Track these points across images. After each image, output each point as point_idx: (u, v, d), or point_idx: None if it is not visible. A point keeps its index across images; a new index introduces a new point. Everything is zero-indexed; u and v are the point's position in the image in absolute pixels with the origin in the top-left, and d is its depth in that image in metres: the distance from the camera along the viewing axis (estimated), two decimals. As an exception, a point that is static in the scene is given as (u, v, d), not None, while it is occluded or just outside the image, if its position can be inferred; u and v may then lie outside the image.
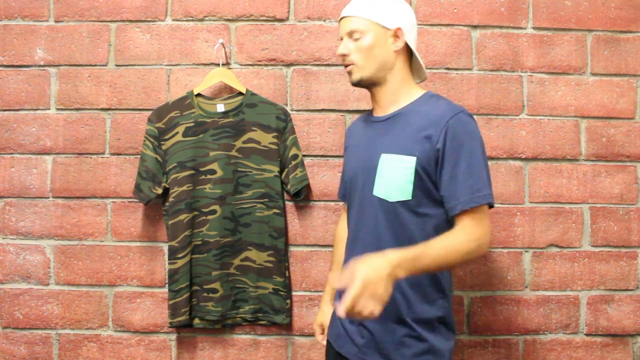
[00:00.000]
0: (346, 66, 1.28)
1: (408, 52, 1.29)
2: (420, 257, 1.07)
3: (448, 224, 1.20)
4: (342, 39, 1.30)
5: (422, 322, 1.21)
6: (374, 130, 1.31)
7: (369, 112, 1.40)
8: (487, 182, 1.18)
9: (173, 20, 1.72)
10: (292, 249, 1.69)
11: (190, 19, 1.72)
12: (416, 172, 1.18)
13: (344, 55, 1.27)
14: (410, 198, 1.19)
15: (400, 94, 1.28)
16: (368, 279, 0.98)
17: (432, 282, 1.23)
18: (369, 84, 1.28)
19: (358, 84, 1.28)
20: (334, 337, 1.34)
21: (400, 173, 1.20)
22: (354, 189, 1.32)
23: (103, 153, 1.71)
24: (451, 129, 1.17)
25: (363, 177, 1.28)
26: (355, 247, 1.28)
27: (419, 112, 1.24)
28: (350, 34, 1.26)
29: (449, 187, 1.17)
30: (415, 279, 1.19)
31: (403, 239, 1.20)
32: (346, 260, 1.32)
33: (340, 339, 1.31)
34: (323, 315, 1.49)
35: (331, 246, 1.48)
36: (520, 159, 1.70)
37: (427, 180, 1.19)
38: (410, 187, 1.19)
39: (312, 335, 1.67)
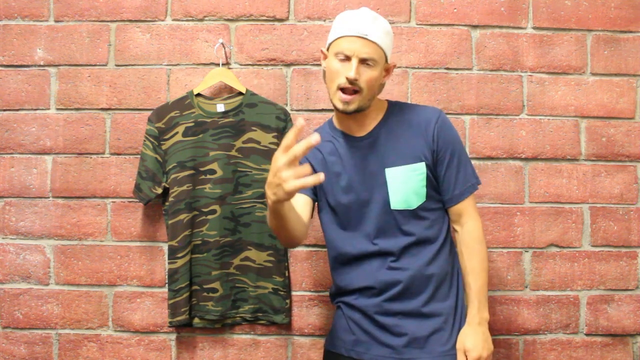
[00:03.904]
0: (349, 92, 1.22)
1: None
2: (482, 290, 1.28)
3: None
4: (343, 56, 1.22)
5: (451, 310, 1.30)
6: (359, 150, 1.32)
7: (333, 134, 1.36)
8: (472, 173, 1.33)
9: (173, 20, 1.72)
10: (292, 249, 1.69)
11: (190, 19, 1.72)
12: (426, 175, 1.28)
13: (355, 80, 1.20)
14: (425, 200, 1.28)
15: (374, 112, 1.33)
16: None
17: (456, 267, 1.34)
18: (357, 111, 1.26)
19: (354, 112, 1.25)
20: (350, 344, 1.31)
21: (414, 181, 1.27)
22: (351, 212, 1.31)
23: (103, 153, 1.71)
24: (440, 131, 1.29)
25: (366, 198, 1.29)
26: (380, 260, 1.29)
27: (404, 121, 1.31)
28: (364, 61, 1.21)
29: (444, 183, 1.30)
30: (441, 271, 1.29)
31: (429, 238, 1.29)
32: (369, 275, 1.30)
33: (362, 345, 1.30)
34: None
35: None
36: (520, 159, 1.70)
37: (433, 179, 1.30)
38: (425, 190, 1.28)
39: (312, 335, 1.67)
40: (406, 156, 1.28)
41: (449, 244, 1.33)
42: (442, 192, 1.31)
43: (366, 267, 1.30)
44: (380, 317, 1.28)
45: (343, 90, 1.23)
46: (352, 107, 1.24)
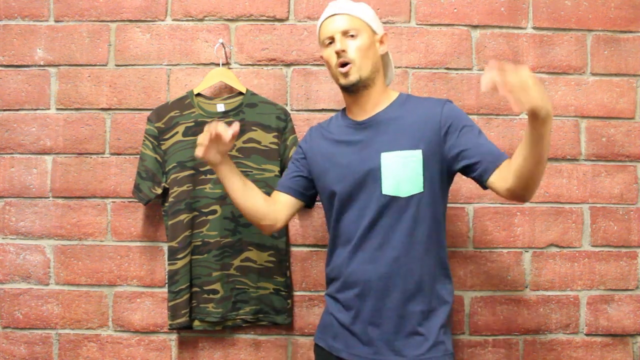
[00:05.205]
0: (342, 65, 1.26)
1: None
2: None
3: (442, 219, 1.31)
4: (329, 40, 1.28)
5: (433, 320, 1.25)
6: (360, 133, 1.31)
7: (337, 119, 1.39)
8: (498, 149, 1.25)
9: (173, 20, 1.72)
10: (292, 249, 1.69)
11: (190, 19, 1.72)
12: (424, 163, 1.24)
13: (342, 52, 1.25)
14: (422, 190, 1.24)
15: (381, 97, 1.33)
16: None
17: (442, 266, 1.30)
18: (361, 87, 1.27)
19: (354, 85, 1.26)
20: (330, 339, 1.33)
21: (408, 168, 1.24)
22: (345, 194, 1.30)
23: (103, 153, 1.71)
24: (449, 112, 1.26)
25: (360, 180, 1.27)
26: (364, 249, 1.27)
27: (409, 110, 1.30)
28: (346, 32, 1.26)
29: (468, 150, 1.22)
30: (426, 266, 1.26)
31: (417, 232, 1.25)
32: (349, 264, 1.30)
33: (340, 341, 1.30)
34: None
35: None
36: (520, 159, 1.70)
37: (435, 169, 1.25)
38: (421, 179, 1.24)
39: (312, 335, 1.67)
40: (404, 142, 1.25)
41: (438, 246, 1.28)
42: (470, 167, 1.21)
43: (348, 254, 1.30)
44: (355, 313, 1.28)
45: (340, 66, 1.27)
46: (352, 77, 1.25)
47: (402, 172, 1.24)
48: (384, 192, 1.25)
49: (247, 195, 1.35)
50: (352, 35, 1.26)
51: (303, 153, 1.42)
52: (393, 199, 1.24)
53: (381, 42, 1.32)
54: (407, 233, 1.24)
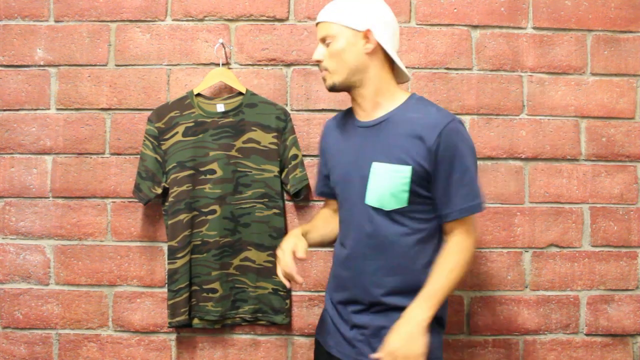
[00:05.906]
0: (322, 71, 1.29)
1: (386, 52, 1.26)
2: (437, 293, 1.18)
3: (440, 226, 1.26)
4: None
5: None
6: (359, 136, 1.29)
7: (349, 114, 1.37)
8: (478, 192, 1.23)
9: (173, 20, 1.72)
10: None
11: (190, 19, 1.72)
12: (412, 180, 1.19)
13: (318, 61, 1.28)
14: (406, 205, 1.21)
15: (383, 98, 1.27)
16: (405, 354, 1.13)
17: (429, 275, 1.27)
18: (344, 89, 1.27)
19: (332, 89, 1.28)
20: (325, 335, 1.35)
21: (395, 182, 1.20)
22: (342, 195, 1.32)
23: (103, 153, 1.71)
24: (445, 138, 1.18)
25: (352, 185, 1.27)
26: (352, 256, 1.28)
27: (409, 119, 1.23)
28: (323, 40, 1.26)
29: (444, 196, 1.21)
30: (416, 282, 1.22)
31: (402, 244, 1.23)
32: (339, 269, 1.32)
33: (331, 338, 1.32)
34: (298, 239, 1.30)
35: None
36: (520, 159, 1.70)
37: (422, 187, 1.21)
38: (406, 195, 1.20)
39: (312, 335, 1.67)
40: (396, 155, 1.21)
41: (424, 256, 1.24)
42: (437, 206, 1.22)
43: (340, 259, 1.32)
44: (341, 315, 1.31)
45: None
46: (327, 83, 1.28)
47: (387, 186, 1.21)
48: (366, 202, 1.24)
49: (327, 233, 1.43)
50: (328, 43, 1.25)
51: (322, 150, 1.44)
52: (376, 210, 1.23)
53: (366, 38, 1.22)
54: (390, 244, 1.23)
